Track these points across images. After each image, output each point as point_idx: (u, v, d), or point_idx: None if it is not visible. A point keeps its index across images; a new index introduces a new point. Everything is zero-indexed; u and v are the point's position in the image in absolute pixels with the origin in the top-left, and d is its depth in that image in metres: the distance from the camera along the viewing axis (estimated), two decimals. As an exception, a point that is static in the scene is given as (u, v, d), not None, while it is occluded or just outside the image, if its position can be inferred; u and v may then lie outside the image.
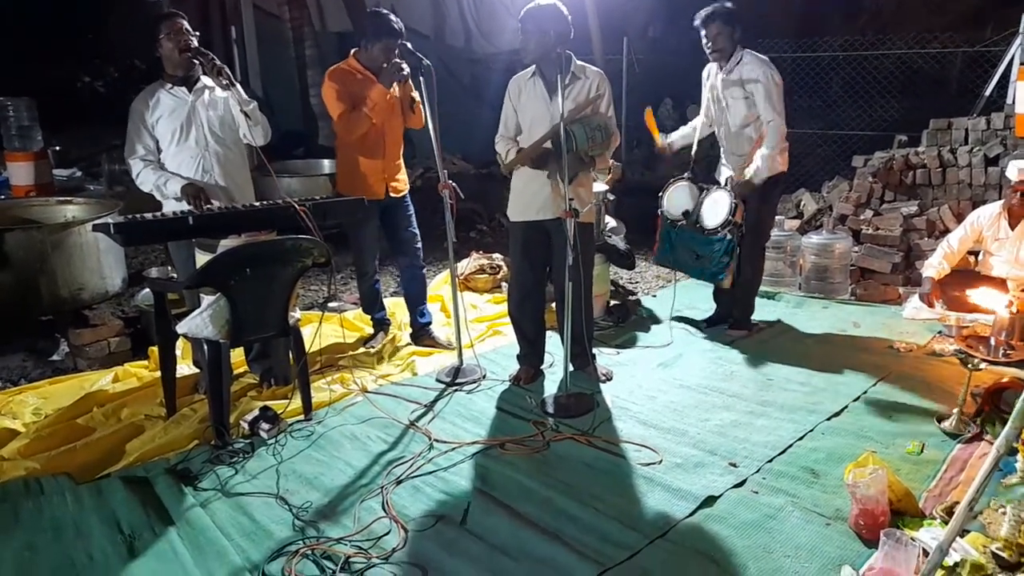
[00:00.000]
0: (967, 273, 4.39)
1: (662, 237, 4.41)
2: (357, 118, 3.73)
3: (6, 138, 6.74)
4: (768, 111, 3.88)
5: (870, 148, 6.29)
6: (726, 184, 4.12)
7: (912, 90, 8.01)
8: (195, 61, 3.35)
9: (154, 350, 3.77)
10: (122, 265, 4.49)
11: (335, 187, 4.07)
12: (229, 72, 3.31)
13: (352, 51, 3.90)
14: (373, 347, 4.15)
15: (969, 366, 3.11)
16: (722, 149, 4.23)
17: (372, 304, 4.26)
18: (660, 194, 4.38)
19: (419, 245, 4.22)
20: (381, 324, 4.31)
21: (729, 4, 3.92)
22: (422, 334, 4.29)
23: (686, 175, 4.31)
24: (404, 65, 3.71)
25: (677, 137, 4.37)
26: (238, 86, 3.36)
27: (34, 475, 2.84)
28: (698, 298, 4.77)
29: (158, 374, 3.43)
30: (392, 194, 4.01)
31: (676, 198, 4.30)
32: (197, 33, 3.41)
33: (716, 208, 4.09)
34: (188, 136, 3.40)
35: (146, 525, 2.53)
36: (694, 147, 4.32)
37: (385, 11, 3.85)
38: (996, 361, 3.72)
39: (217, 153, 3.46)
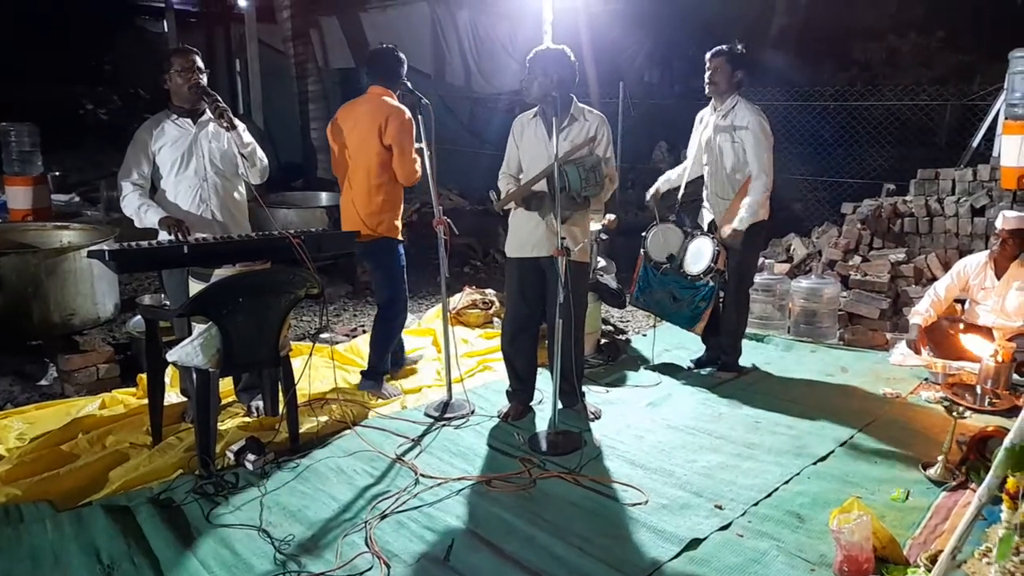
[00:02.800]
0: (953, 321, 4.44)
1: (640, 278, 4.45)
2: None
3: (6, 162, 6.80)
4: (755, 165, 3.97)
5: (859, 195, 6.40)
6: (709, 229, 4.18)
7: (901, 140, 8.17)
8: (201, 99, 3.41)
9: (143, 377, 3.76)
10: (115, 291, 4.50)
11: (367, 226, 3.85)
12: (231, 116, 3.39)
13: (379, 87, 3.87)
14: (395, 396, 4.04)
15: (954, 414, 3.14)
16: (706, 191, 4.30)
17: (389, 355, 4.15)
18: (643, 234, 4.43)
19: None
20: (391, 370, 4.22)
21: (741, 47, 4.03)
22: (401, 361, 4.34)
23: (671, 218, 4.37)
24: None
25: (662, 182, 4.45)
26: (239, 129, 3.44)
27: (14, 501, 2.81)
28: (687, 339, 4.79)
29: (145, 401, 3.42)
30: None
31: (660, 241, 4.36)
32: (207, 71, 3.49)
33: (700, 254, 4.14)
34: (188, 166, 3.45)
35: (126, 556, 2.50)
36: (681, 190, 4.39)
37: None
38: (982, 410, 3.75)
39: (216, 184, 3.50)
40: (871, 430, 3.60)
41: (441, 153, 3.61)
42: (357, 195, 3.85)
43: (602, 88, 9.73)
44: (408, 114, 3.78)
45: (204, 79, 3.44)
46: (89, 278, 4.20)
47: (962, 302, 4.50)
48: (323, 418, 3.61)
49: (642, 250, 4.42)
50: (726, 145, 4.08)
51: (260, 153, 3.59)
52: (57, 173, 8.31)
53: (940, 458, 3.11)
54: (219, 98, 3.39)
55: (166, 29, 12.21)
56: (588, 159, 3.41)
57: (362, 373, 4.12)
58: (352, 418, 3.66)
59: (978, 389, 3.88)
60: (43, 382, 4.11)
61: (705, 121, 4.23)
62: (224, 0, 11.04)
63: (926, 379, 4.27)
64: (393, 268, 3.97)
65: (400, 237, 3.98)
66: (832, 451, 3.37)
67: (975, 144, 6.18)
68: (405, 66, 3.89)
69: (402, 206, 4.00)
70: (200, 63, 3.44)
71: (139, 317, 4.35)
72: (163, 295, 4.40)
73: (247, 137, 3.51)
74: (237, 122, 3.45)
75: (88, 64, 13.64)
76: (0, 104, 8.24)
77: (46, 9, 11.98)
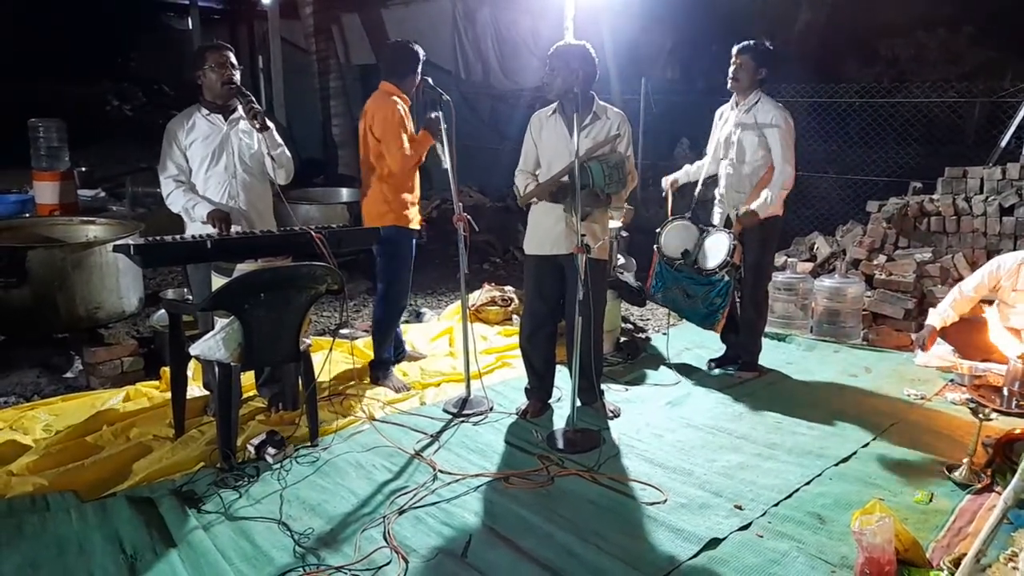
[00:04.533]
0: (979, 322, 4.36)
1: (656, 274, 4.43)
2: (419, 146, 3.82)
3: (35, 158, 6.91)
4: (781, 158, 3.94)
5: (885, 194, 6.30)
6: (724, 225, 4.15)
7: (928, 138, 8.03)
8: (235, 97, 3.45)
9: (166, 371, 3.80)
10: (139, 286, 4.56)
11: (379, 216, 3.91)
12: (265, 117, 3.43)
13: (387, 82, 3.88)
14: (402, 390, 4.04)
15: (980, 416, 3.08)
16: (722, 187, 4.25)
17: (390, 342, 4.17)
18: (658, 230, 4.40)
19: None
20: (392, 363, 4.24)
21: (768, 44, 3.99)
22: (402, 352, 4.41)
23: (687, 215, 4.34)
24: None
25: (682, 174, 4.42)
26: (271, 131, 3.48)
27: (41, 491, 2.86)
28: (707, 337, 4.75)
29: (168, 395, 3.46)
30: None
31: (675, 237, 4.32)
32: (241, 67, 3.52)
33: (715, 249, 4.11)
34: (219, 162, 3.49)
35: (148, 546, 2.54)
36: (698, 187, 4.36)
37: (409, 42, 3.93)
38: (1008, 412, 3.69)
39: (244, 181, 3.54)
40: (894, 432, 3.55)
41: (462, 150, 3.62)
42: (366, 187, 3.93)
43: (623, 84, 9.67)
44: (395, 106, 3.78)
45: (238, 76, 3.48)
46: (114, 272, 4.26)
47: (989, 302, 4.41)
48: (342, 413, 3.63)
49: (655, 246, 4.39)
50: (748, 141, 4.04)
51: (287, 155, 3.62)
52: (83, 168, 8.43)
53: (965, 460, 3.07)
54: (253, 98, 3.43)
55: (190, 26, 12.35)
56: (612, 156, 3.40)
57: (369, 364, 4.16)
58: (371, 413, 3.68)
59: (1005, 391, 3.81)
60: (69, 374, 4.17)
61: (725, 116, 4.19)
62: (248, -3, 11.15)
63: (951, 380, 4.21)
64: (397, 256, 3.99)
65: (412, 227, 3.98)
66: (855, 452, 3.33)
67: (1004, 143, 6.06)
68: (420, 61, 3.88)
69: (413, 196, 3.98)
70: (234, 60, 3.48)
71: (163, 311, 4.41)
72: (186, 289, 4.47)
73: (278, 139, 3.55)
74: (269, 123, 3.49)
75: (113, 61, 13.84)
76: (28, 101, 8.39)
77: (72, 7, 12.16)
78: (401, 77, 3.87)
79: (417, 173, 4.02)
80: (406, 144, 3.78)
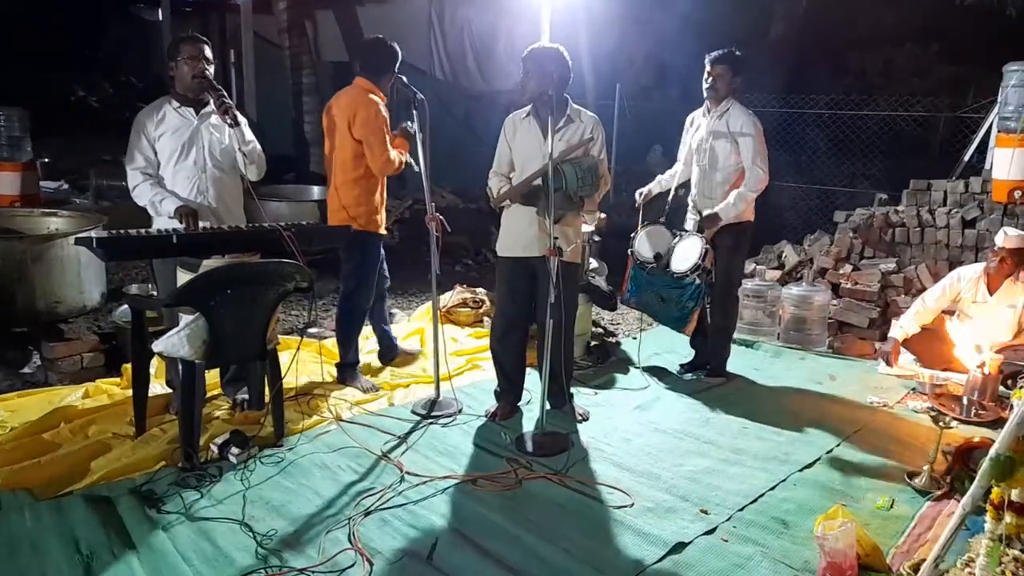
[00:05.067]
0: (939, 332, 4.45)
1: (630, 278, 4.45)
2: (396, 151, 3.80)
3: (-5, 147, 6.71)
4: (751, 162, 3.99)
5: (851, 204, 6.42)
6: (697, 229, 4.19)
7: (895, 150, 8.20)
8: (206, 91, 3.38)
9: (127, 367, 3.72)
10: (102, 280, 4.46)
11: (350, 218, 3.86)
12: (236, 112, 3.36)
13: (363, 79, 3.83)
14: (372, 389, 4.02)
15: (940, 424, 3.15)
16: (694, 193, 4.30)
17: (355, 345, 4.10)
18: (632, 235, 4.43)
19: (388, 285, 4.37)
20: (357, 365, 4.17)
21: (739, 53, 4.04)
22: (395, 351, 4.36)
23: (660, 219, 4.37)
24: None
25: (655, 185, 4.45)
26: (243, 126, 3.43)
27: (-6, 489, 2.78)
28: (677, 342, 4.79)
29: (129, 392, 3.39)
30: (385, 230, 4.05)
31: (649, 241, 4.36)
32: (215, 62, 3.45)
33: (687, 252, 4.15)
34: (188, 156, 3.41)
35: (105, 546, 2.48)
36: (671, 193, 4.39)
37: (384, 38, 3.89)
38: (968, 421, 3.77)
39: (214, 176, 3.47)
40: (858, 438, 3.61)
41: (435, 150, 3.59)
42: (337, 188, 3.86)
43: (598, 89, 9.72)
44: (379, 107, 3.75)
45: (212, 70, 3.40)
46: (76, 266, 4.16)
47: (951, 313, 4.51)
48: (308, 413, 3.58)
49: (629, 250, 4.42)
50: (720, 148, 4.08)
51: (259, 151, 3.56)
52: (46, 160, 8.22)
53: (925, 468, 3.13)
54: (225, 93, 3.36)
55: (161, 18, 12.12)
56: (585, 159, 3.41)
57: (336, 366, 4.11)
58: (338, 413, 3.64)
59: (964, 400, 3.90)
60: (26, 370, 4.06)
61: (697, 123, 4.23)
62: (221, -10, 11.00)
63: (913, 389, 4.29)
64: (364, 262, 3.96)
65: (381, 231, 3.96)
66: (818, 458, 3.37)
67: (967, 157, 6.21)
68: (397, 59, 3.85)
69: (381, 199, 3.95)
70: (209, 53, 3.40)
71: (125, 306, 4.31)
72: (150, 285, 4.37)
73: (249, 135, 3.48)
74: (241, 118, 3.42)
75: (80, 51, 13.53)
76: (-10, 88, 8.16)
77: (40, -5, 11.88)
78: (379, 75, 3.83)
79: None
80: (390, 149, 3.76)
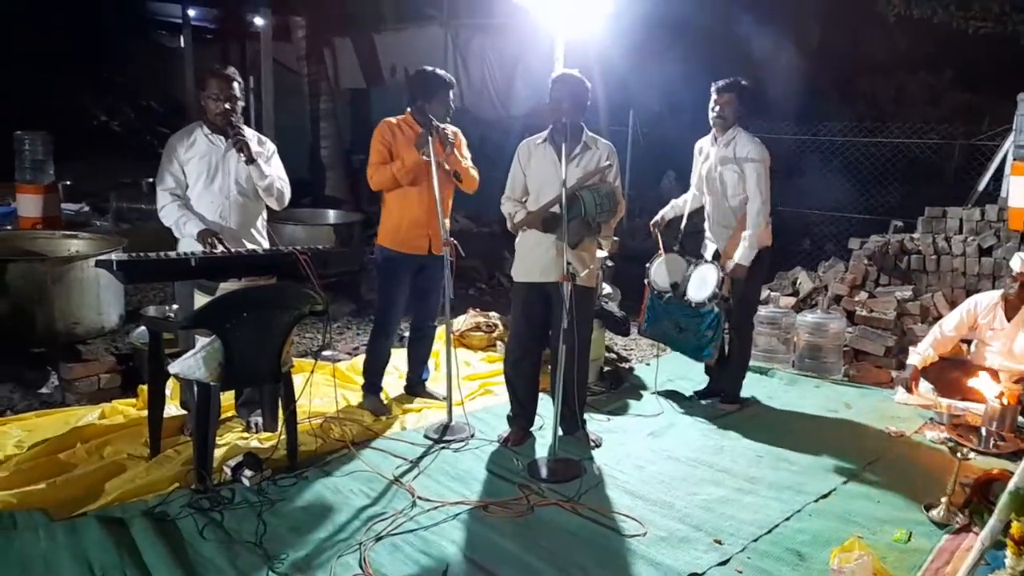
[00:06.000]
0: (958, 362, 4.41)
1: (648, 308, 4.44)
2: (381, 172, 3.82)
3: (19, 170, 6.83)
4: (755, 194, 3.99)
5: (866, 231, 6.40)
6: (713, 258, 4.19)
7: (910, 177, 8.18)
8: (226, 128, 3.46)
9: (144, 388, 3.75)
10: (120, 302, 4.51)
11: (377, 238, 3.98)
12: (251, 151, 3.45)
13: (408, 108, 3.90)
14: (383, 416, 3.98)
15: (958, 455, 3.10)
16: (709, 221, 4.30)
17: (380, 370, 4.08)
18: (648, 264, 4.44)
19: (433, 324, 4.26)
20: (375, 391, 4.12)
21: (746, 82, 4.06)
22: (419, 388, 4.31)
23: (675, 247, 4.38)
24: (447, 131, 3.74)
25: (668, 210, 4.46)
26: (259, 163, 3.50)
27: (9, 509, 2.79)
28: (691, 369, 4.77)
29: (145, 413, 3.40)
30: (434, 252, 3.87)
31: (664, 270, 4.36)
32: (241, 102, 3.53)
33: (704, 281, 4.14)
34: (214, 182, 3.50)
35: (118, 567, 2.48)
36: (684, 220, 4.40)
37: (435, 69, 3.91)
38: (986, 452, 3.71)
39: (238, 203, 3.55)
40: (874, 468, 3.57)
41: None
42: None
43: (611, 116, 9.79)
44: (383, 127, 3.84)
45: (240, 106, 3.50)
46: (95, 288, 4.21)
47: (969, 342, 4.47)
48: (322, 437, 3.59)
49: (646, 280, 4.42)
50: (728, 175, 4.09)
51: (278, 186, 3.62)
52: (68, 182, 8.36)
53: (943, 500, 3.08)
54: (242, 132, 3.45)
55: (182, 44, 12.36)
56: (603, 186, 3.45)
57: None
58: (351, 438, 3.64)
59: (983, 431, 3.84)
60: (44, 390, 4.10)
61: (705, 152, 4.25)
62: (241, 18, 11.19)
63: (931, 419, 4.23)
64: (381, 281, 4.03)
65: (402, 250, 3.90)
66: (834, 488, 3.33)
67: (983, 186, 6.19)
68: (424, 85, 3.81)
69: (411, 218, 3.88)
70: (237, 90, 3.49)
71: (143, 328, 4.36)
72: (167, 307, 4.42)
73: (266, 170, 3.56)
74: (265, 147, 3.53)
75: (103, 76, 13.79)
76: (14, 113, 8.33)
77: (63, 21, 12.14)
78: (411, 103, 3.86)
79: (423, 193, 3.85)
80: (379, 167, 3.81)
